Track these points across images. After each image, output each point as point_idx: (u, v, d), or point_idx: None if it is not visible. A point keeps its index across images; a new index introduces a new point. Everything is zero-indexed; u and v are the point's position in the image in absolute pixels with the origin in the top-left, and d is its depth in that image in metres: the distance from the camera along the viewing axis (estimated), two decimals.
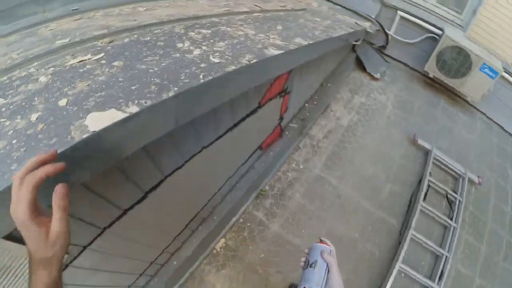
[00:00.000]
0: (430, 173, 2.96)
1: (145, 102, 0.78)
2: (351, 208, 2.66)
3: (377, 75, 3.97)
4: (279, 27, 1.99)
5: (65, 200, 0.49)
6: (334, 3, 3.35)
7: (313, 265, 0.75)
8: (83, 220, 1.03)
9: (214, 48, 1.29)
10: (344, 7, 3.32)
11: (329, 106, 3.46)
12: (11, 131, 0.68)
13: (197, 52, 1.21)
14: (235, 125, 1.78)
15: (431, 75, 3.91)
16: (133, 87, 0.84)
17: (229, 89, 1.19)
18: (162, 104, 0.82)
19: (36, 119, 0.70)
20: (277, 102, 2.28)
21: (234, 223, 2.50)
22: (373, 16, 3.36)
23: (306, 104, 3.09)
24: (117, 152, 0.76)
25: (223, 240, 2.46)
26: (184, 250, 2.15)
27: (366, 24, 3.22)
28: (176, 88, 0.87)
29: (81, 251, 1.14)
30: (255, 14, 2.08)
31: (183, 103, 0.91)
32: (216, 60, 1.15)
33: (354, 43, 3.75)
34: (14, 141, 0.65)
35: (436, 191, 2.93)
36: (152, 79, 0.90)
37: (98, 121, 0.68)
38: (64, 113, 0.69)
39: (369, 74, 3.99)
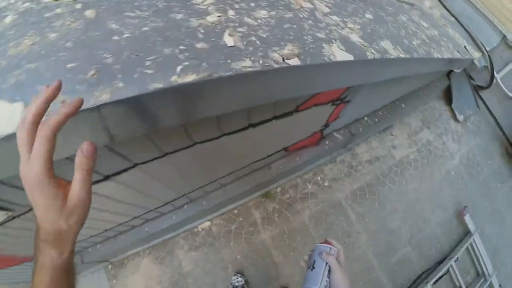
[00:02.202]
0: (457, 258, 2.50)
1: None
2: (354, 254, 2.30)
3: (461, 117, 3.25)
4: (368, 16, 1.41)
5: (91, 160, 0.39)
6: (449, 11, 2.60)
7: (310, 266, 0.72)
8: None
9: (245, 19, 0.80)
10: (459, 22, 2.58)
11: (391, 128, 2.87)
12: None
13: (212, 18, 0.74)
14: (252, 125, 1.30)
15: None
16: (69, 65, 0.56)
17: (224, 100, 0.73)
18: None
19: None
20: (326, 109, 1.76)
21: (227, 211, 2.19)
22: (487, 49, 2.63)
23: (365, 118, 2.52)
24: None
25: (208, 223, 2.18)
26: (159, 222, 1.89)
27: (476, 55, 2.54)
28: (121, 84, 0.54)
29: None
30: None
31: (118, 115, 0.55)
32: (230, 43, 0.69)
33: (454, 70, 3.01)
34: None
35: (451, 279, 2.51)
36: (104, 56, 0.59)
37: None
38: None
39: (452, 111, 3.27)
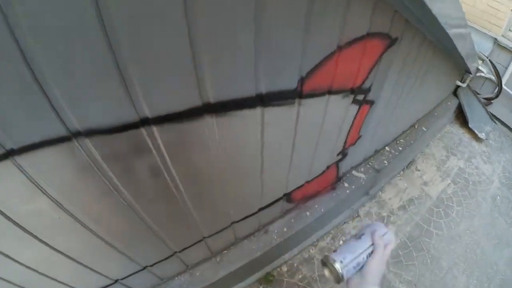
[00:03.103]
0: None
1: None
2: None
3: (482, 135, 2.79)
4: None
5: None
6: None
7: (358, 236, 0.58)
8: None
9: None
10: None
11: (414, 162, 2.33)
12: None
13: None
14: (209, 107, 0.72)
15: None
16: None
17: None
18: None
19: None
20: (345, 107, 1.16)
21: None
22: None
23: (387, 148, 1.98)
24: None
25: None
26: None
27: (473, 65, 2.23)
28: None
29: None
30: None
31: None
32: None
33: (459, 83, 2.68)
34: None
35: None
36: None
37: None
38: None
39: (471, 131, 2.83)
